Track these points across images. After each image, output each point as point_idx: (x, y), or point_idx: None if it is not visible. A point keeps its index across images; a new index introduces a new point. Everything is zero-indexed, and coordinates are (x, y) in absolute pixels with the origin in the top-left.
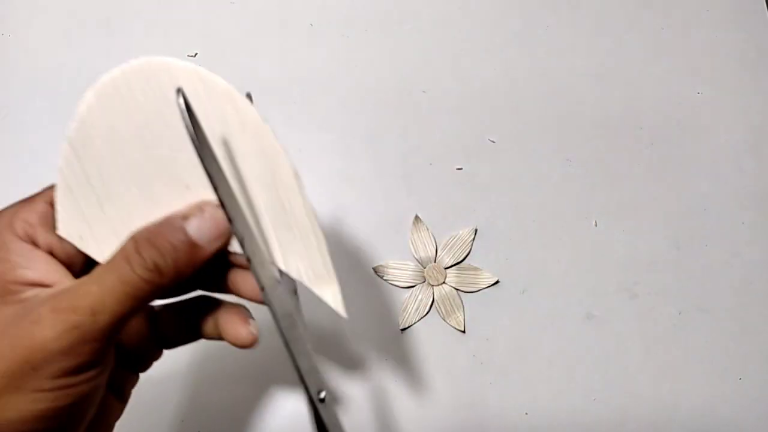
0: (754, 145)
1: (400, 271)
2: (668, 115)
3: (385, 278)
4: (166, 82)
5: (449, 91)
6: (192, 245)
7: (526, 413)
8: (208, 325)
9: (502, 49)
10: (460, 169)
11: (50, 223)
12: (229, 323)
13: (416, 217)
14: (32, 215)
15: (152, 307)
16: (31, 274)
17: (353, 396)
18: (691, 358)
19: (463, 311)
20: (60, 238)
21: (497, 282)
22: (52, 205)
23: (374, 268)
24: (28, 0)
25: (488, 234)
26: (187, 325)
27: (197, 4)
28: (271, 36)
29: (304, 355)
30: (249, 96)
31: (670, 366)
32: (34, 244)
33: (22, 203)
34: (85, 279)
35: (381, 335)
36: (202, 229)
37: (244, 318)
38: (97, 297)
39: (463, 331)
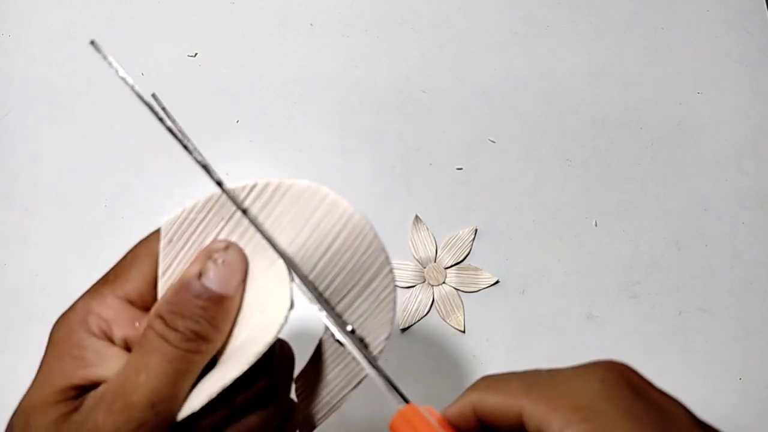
0: (754, 145)
1: (400, 271)
2: (668, 115)
3: None
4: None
5: (449, 91)
6: (219, 299)
7: None
8: None
9: (502, 49)
10: (460, 169)
11: (126, 318)
12: None
13: (416, 217)
14: (106, 311)
15: None
16: (103, 372)
17: (353, 396)
18: (691, 358)
19: (463, 311)
20: (137, 331)
21: (497, 282)
22: (123, 298)
23: None
24: (28, 0)
25: (488, 234)
26: None
27: (197, 4)
28: (271, 36)
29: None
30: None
31: (670, 366)
32: (110, 340)
33: (91, 296)
34: (126, 371)
35: None
36: (222, 279)
37: None
38: (150, 387)
39: (463, 331)
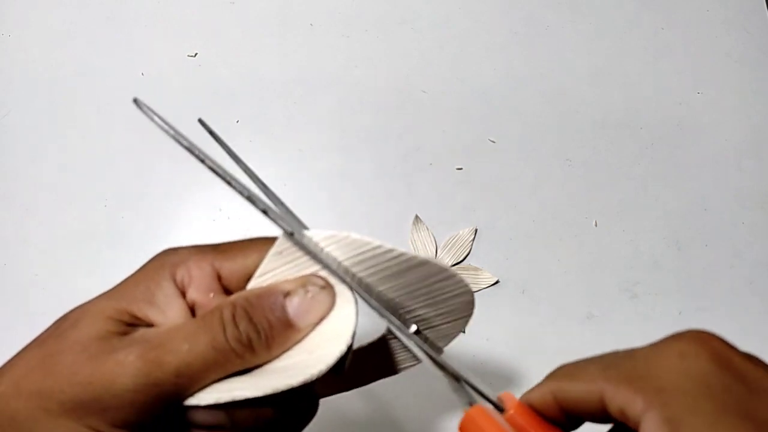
0: (754, 145)
1: None
2: (668, 115)
3: None
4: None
5: (449, 91)
6: (288, 325)
7: None
8: None
9: (502, 49)
10: (460, 169)
11: (207, 286)
12: None
13: (416, 217)
14: (196, 270)
15: None
16: (160, 318)
17: (353, 396)
18: None
19: None
20: (208, 301)
21: (497, 282)
22: (217, 270)
23: None
24: (27, 0)
25: (488, 234)
26: None
27: (197, 4)
28: (271, 36)
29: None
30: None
31: None
32: (183, 294)
33: (197, 252)
34: (178, 331)
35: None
36: (302, 309)
37: None
38: (185, 358)
39: (463, 332)
